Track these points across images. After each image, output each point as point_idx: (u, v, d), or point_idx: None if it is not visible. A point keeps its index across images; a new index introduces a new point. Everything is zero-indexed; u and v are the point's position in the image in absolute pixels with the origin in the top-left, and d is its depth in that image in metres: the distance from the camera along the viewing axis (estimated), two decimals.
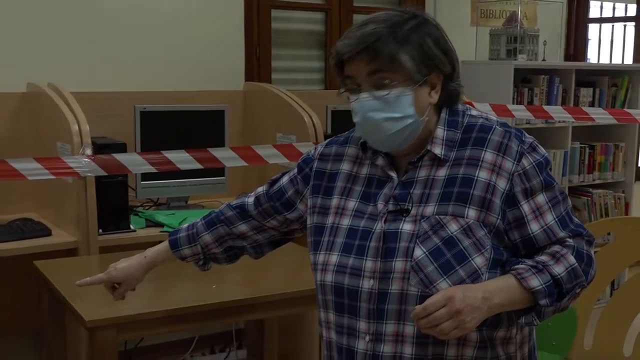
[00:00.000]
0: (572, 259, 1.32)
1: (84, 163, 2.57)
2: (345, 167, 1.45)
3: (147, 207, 3.17)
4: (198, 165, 2.84)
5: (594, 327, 2.42)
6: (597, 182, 4.47)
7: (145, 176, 3.06)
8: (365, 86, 1.32)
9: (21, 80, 3.10)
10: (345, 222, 1.39)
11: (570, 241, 1.34)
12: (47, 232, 2.69)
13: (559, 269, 1.30)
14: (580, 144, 4.37)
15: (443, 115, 1.39)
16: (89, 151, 2.61)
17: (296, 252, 2.33)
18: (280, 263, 2.23)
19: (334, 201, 1.42)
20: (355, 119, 1.35)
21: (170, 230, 2.79)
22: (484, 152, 1.34)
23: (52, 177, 2.54)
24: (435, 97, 1.37)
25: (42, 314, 2.80)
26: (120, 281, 1.67)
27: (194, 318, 1.95)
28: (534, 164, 1.34)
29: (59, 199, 2.80)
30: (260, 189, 1.62)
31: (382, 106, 1.31)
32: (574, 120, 3.86)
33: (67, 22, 3.23)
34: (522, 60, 4.15)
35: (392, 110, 1.31)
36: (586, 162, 4.38)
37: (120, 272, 1.66)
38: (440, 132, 1.37)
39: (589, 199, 4.35)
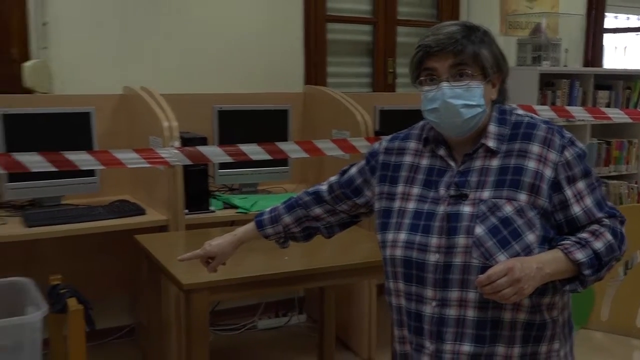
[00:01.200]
0: (609, 236, 1.36)
1: (173, 154, 2.66)
2: (407, 159, 1.49)
3: (223, 192, 3.26)
4: (267, 156, 2.90)
5: (610, 302, 2.43)
6: (613, 174, 4.44)
7: (222, 165, 3.14)
8: (445, 77, 1.36)
9: (119, 84, 3.20)
10: (411, 205, 1.43)
11: (606, 221, 1.38)
12: (142, 212, 2.79)
13: (598, 245, 1.34)
14: (598, 140, 4.34)
15: (494, 113, 1.43)
16: (177, 144, 2.69)
17: (350, 231, 2.38)
18: (336, 240, 2.29)
19: (400, 188, 1.47)
20: (433, 105, 1.38)
21: (244, 211, 2.89)
22: (531, 145, 1.38)
23: (148, 165, 2.62)
24: (495, 93, 1.43)
25: (140, 279, 2.91)
26: (214, 256, 1.73)
27: (268, 284, 2.00)
28: (574, 155, 1.38)
29: (151, 183, 2.90)
30: (333, 178, 1.67)
31: (461, 94, 1.35)
32: (593, 119, 3.82)
33: (158, 34, 3.32)
34: (546, 66, 4.14)
35: (468, 99, 1.36)
36: (603, 156, 4.36)
37: (215, 247, 1.73)
38: (492, 127, 1.41)
39: (606, 189, 4.32)
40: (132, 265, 3.24)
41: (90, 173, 2.87)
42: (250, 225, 1.74)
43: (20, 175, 2.71)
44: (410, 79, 1.45)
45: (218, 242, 1.73)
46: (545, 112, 3.67)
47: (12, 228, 2.53)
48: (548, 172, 1.36)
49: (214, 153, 2.76)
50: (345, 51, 4.04)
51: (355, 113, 3.16)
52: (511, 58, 4.32)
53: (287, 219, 1.69)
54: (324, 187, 1.67)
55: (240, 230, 1.74)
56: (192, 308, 1.81)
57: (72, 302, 1.86)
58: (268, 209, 1.73)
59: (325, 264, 2.16)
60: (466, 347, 1.35)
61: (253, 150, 2.85)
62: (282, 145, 2.91)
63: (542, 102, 4.00)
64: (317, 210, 1.66)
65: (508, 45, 4.34)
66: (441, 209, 1.39)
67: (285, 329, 3.60)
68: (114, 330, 3.35)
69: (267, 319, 3.64)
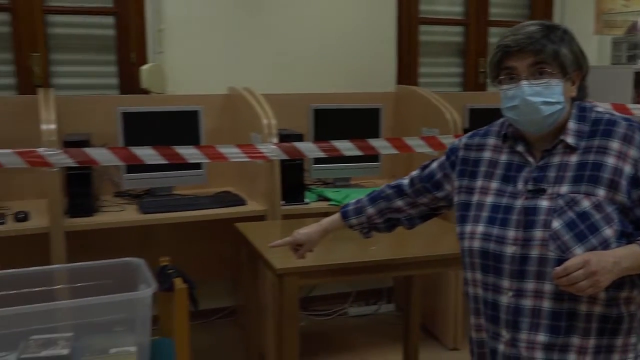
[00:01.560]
0: None
1: (271, 149, 2.75)
2: (486, 154, 1.48)
3: (318, 186, 3.33)
4: (358, 152, 2.93)
5: None
6: None
7: (317, 160, 3.21)
8: (525, 75, 1.35)
9: (224, 85, 3.34)
10: (489, 199, 1.42)
11: None
12: (242, 202, 2.90)
13: None
14: None
15: (574, 110, 1.40)
16: (275, 140, 2.78)
17: (438, 224, 2.38)
18: (425, 232, 2.28)
19: (479, 183, 1.46)
20: (513, 103, 1.37)
21: (336, 203, 2.93)
22: (611, 142, 1.34)
23: (248, 159, 2.72)
24: (574, 91, 1.40)
25: (240, 264, 3.03)
26: (302, 243, 1.79)
27: (355, 271, 2.04)
28: None
29: (252, 176, 3.00)
30: (414, 173, 1.68)
31: (540, 92, 1.34)
32: None
33: (260, 38, 3.43)
34: None
35: (547, 96, 1.34)
36: None
37: (303, 236, 1.79)
38: (572, 124, 1.38)
39: None
40: (233, 251, 3.37)
41: (198, 166, 3.01)
42: (336, 216, 1.78)
43: (137, 167, 2.88)
44: (489, 78, 1.44)
45: (306, 231, 1.78)
46: (638, 111, 3.49)
47: (129, 214, 2.70)
48: (628, 169, 1.32)
49: (309, 149, 2.82)
50: (436, 52, 4.00)
51: (444, 111, 3.13)
52: (606, 57, 4.13)
53: (371, 210, 1.72)
54: (405, 181, 1.68)
55: (326, 221, 1.79)
56: (283, 290, 1.87)
57: (178, 282, 1.97)
58: (353, 201, 1.76)
59: (412, 254, 2.16)
60: (541, 337, 1.33)
61: (345, 147, 2.89)
62: (373, 142, 2.93)
63: (637, 101, 3.79)
64: (399, 203, 1.68)
65: (603, 45, 4.16)
66: (519, 202, 1.37)
67: (374, 316, 3.63)
68: (217, 311, 3.50)
69: (357, 307, 3.69)
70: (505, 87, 1.38)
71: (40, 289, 2.08)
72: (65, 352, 1.88)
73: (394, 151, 2.97)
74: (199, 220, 2.75)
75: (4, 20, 3.08)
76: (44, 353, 1.87)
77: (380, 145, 2.94)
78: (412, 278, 2.62)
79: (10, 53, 3.10)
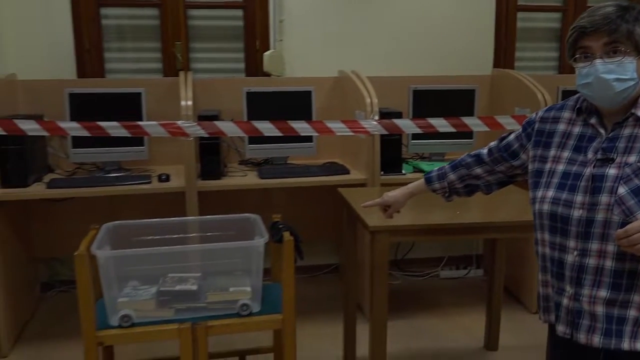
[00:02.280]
0: None
1: (373, 125, 2.80)
2: (561, 127, 1.46)
3: (414, 159, 3.34)
4: (452, 129, 2.91)
5: None
6: None
7: (415, 136, 3.22)
8: (599, 54, 1.31)
9: (334, 68, 3.41)
10: (560, 167, 1.41)
11: None
12: (347, 172, 2.98)
13: None
14: None
15: None
16: (377, 117, 2.83)
17: (521, 194, 2.34)
18: (512, 201, 2.24)
19: (552, 152, 1.44)
20: (587, 80, 1.34)
21: None
22: None
23: (351, 133, 2.79)
24: None
25: (342, 225, 3.12)
26: (390, 204, 1.85)
27: (442, 233, 2.05)
28: None
29: (355, 149, 3.08)
30: (492, 143, 1.68)
31: (613, 69, 1.30)
32: None
33: (366, 26, 3.46)
34: None
35: (620, 73, 1.30)
36: None
37: (391, 197, 1.85)
38: None
39: None
40: (337, 214, 3.48)
41: (309, 139, 3.13)
42: (421, 181, 1.81)
43: (258, 139, 3.04)
44: (567, 57, 1.41)
45: (394, 193, 1.84)
46: None
47: (250, 179, 2.87)
48: None
49: (407, 125, 2.84)
50: (533, 37, 3.84)
51: (536, 92, 3.03)
52: None
53: (452, 176, 1.74)
54: (484, 150, 1.69)
55: (412, 185, 1.83)
56: (375, 245, 1.94)
57: (287, 235, 2.09)
58: (436, 168, 1.79)
59: (499, 218, 2.11)
60: (603, 293, 1.31)
61: (440, 124, 2.88)
62: (466, 120, 2.90)
63: None
64: (478, 170, 1.69)
65: None
66: (588, 170, 1.35)
67: (463, 280, 3.61)
68: (323, 267, 3.64)
69: (448, 270, 3.68)
70: (580, 65, 1.35)
71: (177, 236, 2.28)
72: (194, 287, 2.07)
73: (486, 129, 2.92)
74: (308, 186, 2.87)
75: (154, 14, 3.33)
76: (177, 287, 2.06)
77: (473, 123, 2.90)
78: (497, 244, 2.59)
79: (158, 42, 3.35)
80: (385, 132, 2.82)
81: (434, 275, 3.66)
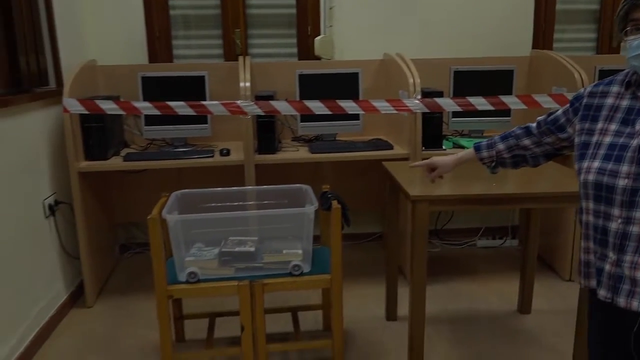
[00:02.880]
0: None
1: (415, 104, 2.77)
2: (609, 100, 1.39)
3: (455, 136, 3.29)
4: (490, 107, 2.84)
5: None
6: None
7: (456, 114, 3.17)
8: None
9: (380, 52, 3.38)
10: (607, 139, 1.35)
11: None
12: (390, 147, 2.96)
13: None
14: None
15: None
16: (419, 96, 2.79)
17: (558, 170, 2.27)
18: (546, 175, 2.18)
19: (599, 125, 1.38)
20: (637, 52, 1.28)
21: None
22: None
23: (395, 112, 2.77)
24: None
25: (385, 195, 3.12)
26: (436, 167, 1.83)
27: (479, 203, 2.00)
28: None
29: (398, 126, 3.05)
30: (541, 118, 1.62)
31: None
32: None
33: (409, 12, 3.40)
34: None
35: None
36: None
37: (439, 160, 1.82)
38: None
39: None
40: (381, 186, 3.47)
41: (356, 117, 3.12)
42: (469, 150, 1.76)
43: (309, 117, 3.06)
44: (616, 31, 1.34)
45: (442, 157, 1.82)
46: None
47: (302, 154, 2.89)
48: None
49: (447, 104, 2.79)
50: (572, 18, 3.67)
51: (573, 72, 2.91)
52: None
53: (501, 146, 1.69)
54: (533, 124, 1.64)
55: (461, 153, 1.78)
56: (415, 214, 1.93)
57: (334, 203, 2.11)
58: (486, 139, 1.74)
59: (536, 189, 2.04)
60: None
61: (479, 102, 2.81)
62: (504, 98, 2.82)
63: None
64: (526, 142, 1.64)
65: None
66: (635, 142, 1.28)
67: (498, 249, 3.55)
68: (368, 235, 3.65)
69: (485, 240, 3.63)
70: (631, 37, 1.28)
71: (237, 203, 2.34)
72: (252, 249, 2.12)
73: (523, 107, 2.84)
74: (355, 160, 2.86)
75: (216, 4, 3.37)
76: (237, 249, 2.12)
77: (511, 101, 2.82)
78: (532, 214, 2.53)
79: (219, 30, 3.39)
80: (427, 110, 2.78)
81: (471, 244, 3.61)
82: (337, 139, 3.22)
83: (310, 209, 2.05)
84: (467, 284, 2.99)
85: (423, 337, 2.06)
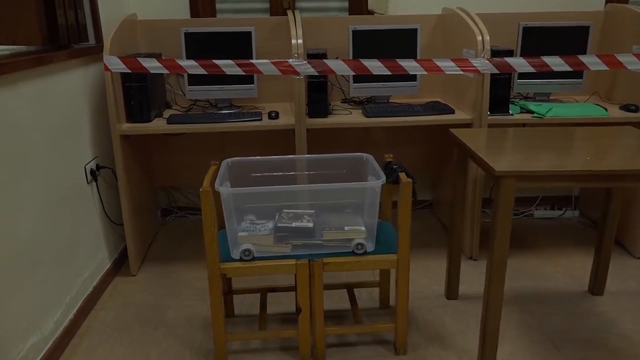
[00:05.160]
0: None
1: (484, 63, 2.44)
2: None
3: (519, 99, 2.95)
4: (567, 68, 2.49)
5: None
6: None
7: (521, 75, 2.83)
8: None
9: (438, 5, 3.03)
10: None
11: None
12: (451, 111, 2.66)
13: None
14: None
15: None
16: (487, 55, 2.46)
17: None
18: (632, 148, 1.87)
19: None
20: None
21: (539, 116, 2.57)
22: None
23: (461, 72, 2.45)
24: None
25: (440, 164, 2.83)
26: None
27: (578, 180, 1.71)
28: None
29: (460, 88, 2.73)
30: None
31: None
32: None
33: None
34: None
35: None
36: None
37: None
38: None
39: None
40: (434, 152, 3.18)
41: (413, 78, 2.81)
42: None
43: (362, 77, 2.76)
44: None
45: None
46: None
47: (356, 117, 2.61)
48: None
49: (520, 64, 2.46)
50: None
51: None
52: None
53: None
54: None
55: None
56: (501, 191, 1.66)
57: (403, 176, 1.85)
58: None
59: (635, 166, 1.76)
60: None
61: (555, 62, 2.46)
62: (584, 58, 2.46)
63: None
64: None
65: None
66: None
67: (558, 220, 3.25)
68: (418, 203, 3.39)
69: (543, 210, 3.33)
70: None
71: (291, 173, 2.10)
72: (310, 225, 1.89)
73: (604, 67, 2.48)
74: (413, 125, 2.57)
75: None
76: (294, 224, 1.89)
77: (591, 61, 2.46)
78: (612, 190, 2.23)
79: None
80: (496, 71, 2.45)
81: (528, 214, 3.32)
82: (390, 101, 2.92)
83: (378, 182, 1.79)
84: (529, 259, 2.73)
85: (499, 322, 1.82)
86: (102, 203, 2.50)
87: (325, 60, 2.40)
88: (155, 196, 3.19)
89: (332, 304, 2.33)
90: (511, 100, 2.85)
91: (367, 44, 2.77)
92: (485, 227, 3.09)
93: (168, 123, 2.50)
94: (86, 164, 2.35)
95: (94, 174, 2.41)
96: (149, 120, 2.53)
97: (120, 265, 2.68)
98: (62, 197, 2.12)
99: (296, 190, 1.84)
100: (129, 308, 2.33)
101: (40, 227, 1.94)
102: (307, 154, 2.97)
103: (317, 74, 2.44)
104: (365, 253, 1.84)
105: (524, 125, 2.89)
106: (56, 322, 2.02)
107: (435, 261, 2.71)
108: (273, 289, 2.28)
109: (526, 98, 2.97)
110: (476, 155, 1.79)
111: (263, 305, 2.16)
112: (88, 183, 2.37)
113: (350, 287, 2.28)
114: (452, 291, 2.35)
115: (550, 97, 2.94)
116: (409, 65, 2.42)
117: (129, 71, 2.35)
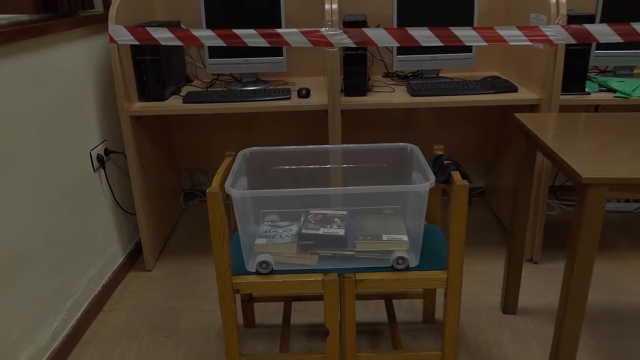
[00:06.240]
0: None
1: (558, 32, 2.02)
2: None
3: (595, 74, 2.50)
4: None
5: None
6: None
7: (599, 46, 2.37)
8: None
9: None
10: None
11: None
12: (514, 89, 2.25)
13: None
14: None
15: None
16: (562, 22, 2.03)
17: None
18: None
19: None
20: None
21: (623, 96, 2.13)
22: None
23: (529, 43, 2.03)
24: None
25: (491, 147, 2.44)
26: None
27: None
28: None
29: (526, 62, 2.31)
30: None
31: None
32: None
33: None
34: None
35: None
36: None
37: None
38: None
39: None
40: (490, 135, 2.79)
41: (468, 49, 2.41)
42: None
43: (409, 48, 2.39)
44: None
45: None
46: None
47: (400, 96, 2.24)
48: None
49: (603, 32, 2.02)
50: None
51: None
52: None
53: None
54: None
55: None
56: (587, 201, 1.29)
57: (457, 176, 1.49)
58: None
59: None
60: None
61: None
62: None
63: None
64: None
65: None
66: None
67: (632, 215, 2.82)
68: (470, 190, 3.01)
69: (615, 202, 2.90)
70: None
71: (320, 166, 1.78)
72: (341, 232, 1.57)
73: None
74: (467, 106, 2.18)
75: None
76: (322, 231, 1.57)
77: None
78: None
79: None
80: (573, 42, 2.02)
81: None
82: (440, 76, 2.53)
83: (425, 185, 1.45)
84: (602, 263, 2.33)
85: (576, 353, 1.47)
86: (112, 192, 2.25)
87: (364, 30, 2.03)
88: (178, 179, 2.94)
89: (366, 314, 2.03)
90: (589, 76, 2.41)
91: (414, 9, 2.37)
92: (548, 222, 2.69)
93: (184, 102, 2.21)
94: (92, 150, 2.09)
95: (101, 160, 2.15)
96: (163, 99, 2.25)
97: (135, 258, 2.45)
98: (63, 188, 1.87)
99: (323, 194, 1.52)
100: (140, 310, 2.09)
101: (36, 224, 1.70)
102: (342, 134, 2.63)
103: (355, 46, 2.07)
104: (408, 269, 1.52)
105: (595, 109, 2.45)
106: (55, 330, 1.80)
107: (488, 264, 2.36)
108: (299, 297, 1.99)
109: (603, 72, 2.51)
110: (550, 151, 1.41)
111: (286, 317, 1.88)
112: (95, 170, 2.11)
113: (388, 298, 1.96)
114: (510, 304, 2.01)
115: (633, 72, 2.48)
116: (465, 34, 2.02)
117: (137, 43, 2.05)
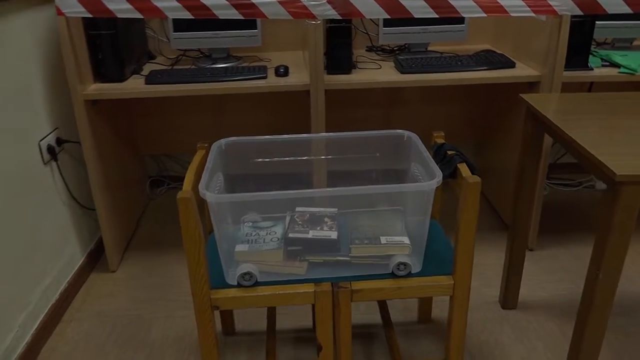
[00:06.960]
0: None
1: (564, 2, 1.84)
2: None
3: (594, 47, 2.34)
4: None
5: None
6: None
7: (601, 16, 2.21)
8: None
9: None
10: None
11: None
12: (511, 64, 2.08)
13: None
14: None
15: None
16: None
17: None
18: None
19: None
20: None
21: (628, 72, 1.98)
22: None
23: (531, 14, 1.85)
24: None
25: (482, 126, 2.29)
26: None
27: None
28: None
29: (524, 35, 2.13)
30: None
31: None
32: None
33: None
34: None
35: None
36: None
37: None
38: None
39: None
40: (480, 112, 2.62)
41: (460, 21, 2.22)
42: None
43: (396, 21, 2.18)
44: None
45: None
46: None
47: (387, 74, 2.04)
48: None
49: (611, 2, 1.85)
50: None
51: None
52: None
53: None
54: None
55: None
56: (620, 201, 1.13)
57: (465, 170, 1.32)
58: None
59: None
60: None
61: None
62: None
63: None
64: None
65: None
66: None
67: None
68: None
69: None
70: None
71: (305, 158, 1.58)
72: (333, 235, 1.39)
73: None
74: (463, 84, 2.00)
75: None
76: (312, 234, 1.38)
77: None
78: None
79: None
80: (579, 12, 1.85)
81: (588, 185, 2.79)
82: (429, 50, 2.34)
83: (431, 184, 1.27)
84: None
85: None
86: (67, 186, 2.00)
87: (351, 0, 1.81)
88: (142, 166, 2.69)
89: (357, 314, 1.87)
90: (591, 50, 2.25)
91: None
92: (545, 204, 2.57)
93: (147, 83, 1.96)
94: (41, 140, 1.84)
95: (52, 152, 1.90)
96: (122, 79, 1.99)
97: (97, 258, 2.22)
98: (7, 186, 1.62)
99: (310, 196, 1.33)
100: (104, 320, 1.88)
101: None
102: (325, 117, 2.42)
103: (340, 17, 1.85)
104: (410, 275, 1.35)
105: (590, 86, 2.31)
106: (6, 351, 1.58)
107: (483, 252, 2.22)
108: None
109: (599, 44, 2.36)
110: (568, 137, 1.25)
111: (271, 324, 1.70)
112: (45, 163, 1.86)
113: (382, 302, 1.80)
114: (510, 298, 1.88)
115: (633, 44, 2.33)
116: (462, 5, 1.83)
117: (90, 15, 1.78)
